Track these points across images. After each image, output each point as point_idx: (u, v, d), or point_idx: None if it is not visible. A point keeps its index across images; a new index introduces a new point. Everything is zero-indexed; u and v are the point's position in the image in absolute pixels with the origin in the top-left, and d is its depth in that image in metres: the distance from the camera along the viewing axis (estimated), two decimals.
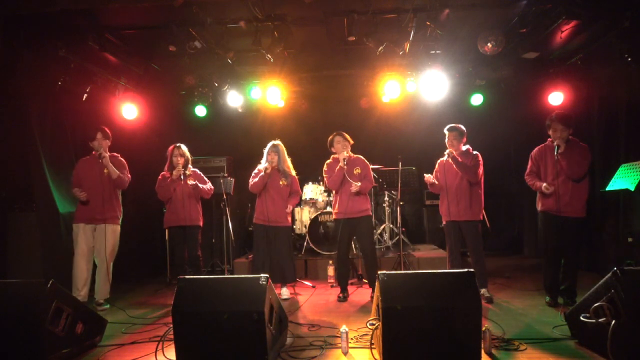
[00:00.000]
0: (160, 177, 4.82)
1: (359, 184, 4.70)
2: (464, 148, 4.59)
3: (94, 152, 4.68)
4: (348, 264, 5.08)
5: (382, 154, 6.26)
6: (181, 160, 4.76)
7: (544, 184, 4.22)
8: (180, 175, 4.72)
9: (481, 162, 4.52)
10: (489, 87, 6.46)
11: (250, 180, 4.86)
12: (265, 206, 4.80)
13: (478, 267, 4.37)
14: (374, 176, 6.02)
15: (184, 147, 4.85)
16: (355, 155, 4.94)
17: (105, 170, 4.62)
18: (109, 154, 4.68)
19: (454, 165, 4.47)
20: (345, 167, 4.73)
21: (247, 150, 6.28)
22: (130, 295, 5.23)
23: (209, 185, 4.96)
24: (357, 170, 4.83)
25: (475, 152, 4.57)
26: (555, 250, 4.25)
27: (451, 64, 5.82)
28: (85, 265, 4.52)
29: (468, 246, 4.55)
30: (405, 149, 5.97)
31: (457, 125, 4.59)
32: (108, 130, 4.72)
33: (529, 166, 4.44)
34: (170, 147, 4.84)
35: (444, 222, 4.68)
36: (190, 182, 4.76)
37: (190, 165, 4.92)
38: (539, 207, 4.38)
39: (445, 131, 4.62)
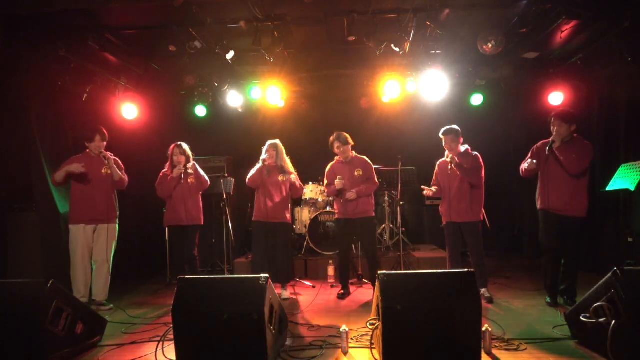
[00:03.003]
0: (161, 174, 4.81)
1: (354, 193, 4.70)
2: (462, 148, 4.57)
3: (87, 151, 4.59)
4: (348, 263, 5.08)
5: (382, 154, 6.25)
6: (182, 159, 4.75)
7: (529, 161, 4.19)
8: (181, 174, 4.71)
9: (482, 164, 4.50)
10: (489, 87, 6.46)
11: (247, 175, 4.85)
12: (264, 203, 4.78)
13: (478, 267, 4.36)
14: None
15: (185, 146, 4.83)
16: (359, 156, 4.93)
17: (104, 170, 4.57)
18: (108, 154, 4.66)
19: (459, 172, 4.43)
20: (340, 187, 4.76)
21: (247, 150, 6.27)
22: (130, 295, 5.23)
23: (206, 177, 4.91)
24: (358, 172, 4.82)
25: (475, 153, 4.56)
26: (555, 250, 4.23)
27: (451, 64, 5.82)
28: (85, 266, 4.48)
29: (468, 246, 4.54)
30: (405, 149, 5.97)
31: (451, 127, 4.56)
32: (105, 131, 4.65)
33: (527, 157, 4.39)
34: (172, 146, 4.82)
35: (444, 222, 4.67)
36: (191, 180, 4.76)
37: (190, 164, 4.88)
38: (538, 204, 4.35)
39: (441, 135, 4.58)
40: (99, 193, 4.52)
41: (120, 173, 4.63)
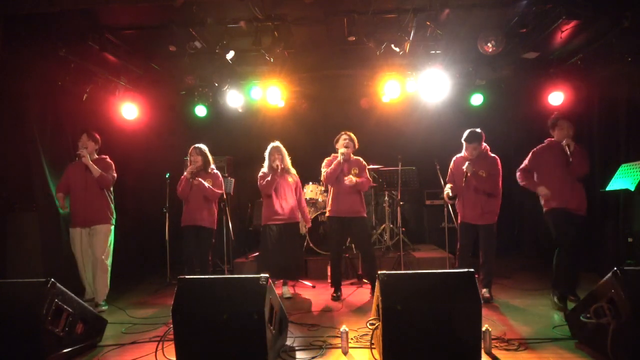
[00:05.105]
0: (182, 176, 4.84)
1: (353, 178, 4.66)
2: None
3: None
4: (341, 263, 5.06)
5: (382, 154, 6.25)
6: (199, 159, 4.77)
7: (542, 188, 4.19)
8: (190, 175, 4.70)
9: (500, 169, 4.45)
10: (489, 87, 6.45)
11: (261, 182, 4.83)
12: (279, 205, 4.83)
13: (487, 267, 4.38)
14: (373, 176, 6.03)
15: (203, 147, 4.85)
16: (355, 157, 4.95)
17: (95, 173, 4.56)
18: (97, 156, 4.67)
19: (475, 182, 4.38)
20: (342, 161, 4.70)
21: (247, 150, 6.27)
22: (130, 295, 5.23)
23: (217, 189, 4.86)
24: (354, 171, 4.83)
25: (493, 156, 4.50)
26: (573, 244, 4.13)
27: (451, 64, 5.81)
28: (84, 267, 4.55)
29: (482, 247, 4.50)
30: (405, 149, 5.96)
31: (475, 132, 4.42)
32: (96, 135, 4.68)
33: (525, 163, 4.37)
34: (191, 148, 4.85)
35: (459, 221, 4.62)
36: (208, 183, 4.76)
37: (213, 166, 4.93)
38: (551, 204, 4.24)
39: (463, 141, 4.49)
40: (86, 196, 4.53)
41: (98, 170, 4.53)
